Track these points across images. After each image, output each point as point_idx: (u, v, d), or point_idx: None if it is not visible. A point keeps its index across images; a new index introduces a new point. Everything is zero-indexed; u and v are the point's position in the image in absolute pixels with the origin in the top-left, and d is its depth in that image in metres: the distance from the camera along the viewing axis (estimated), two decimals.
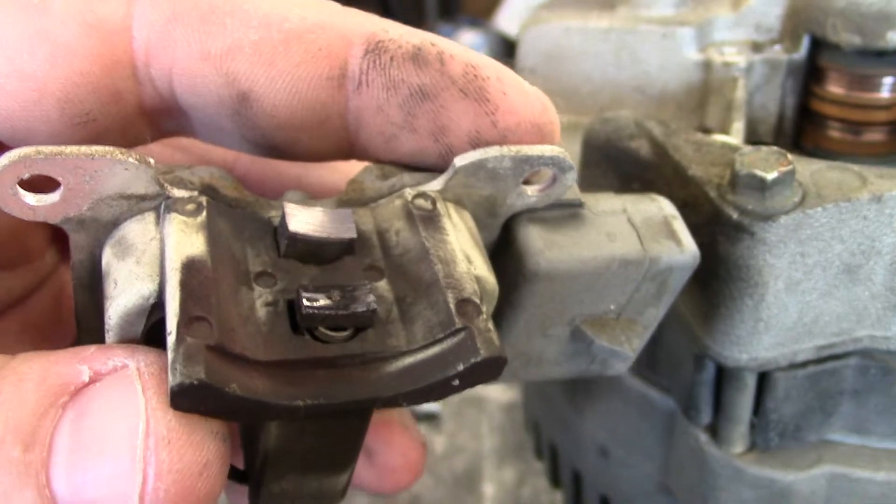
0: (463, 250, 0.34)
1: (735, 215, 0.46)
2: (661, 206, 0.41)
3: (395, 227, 0.35)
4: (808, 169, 0.48)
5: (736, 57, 0.63)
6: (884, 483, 0.53)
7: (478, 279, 0.34)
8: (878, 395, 0.52)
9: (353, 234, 0.34)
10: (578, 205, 0.40)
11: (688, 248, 0.40)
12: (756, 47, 0.64)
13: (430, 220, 0.35)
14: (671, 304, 0.43)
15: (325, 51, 0.35)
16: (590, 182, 0.54)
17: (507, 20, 1.89)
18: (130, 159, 0.32)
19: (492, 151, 0.36)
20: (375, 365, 0.31)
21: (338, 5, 0.37)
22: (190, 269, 0.30)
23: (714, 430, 0.55)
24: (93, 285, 0.35)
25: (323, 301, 0.31)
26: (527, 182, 0.38)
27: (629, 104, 0.65)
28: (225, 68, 0.35)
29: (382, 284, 0.33)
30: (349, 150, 0.39)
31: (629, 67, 0.65)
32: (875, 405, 0.52)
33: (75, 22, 0.34)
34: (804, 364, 0.51)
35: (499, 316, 0.40)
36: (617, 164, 0.54)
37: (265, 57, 0.35)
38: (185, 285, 0.29)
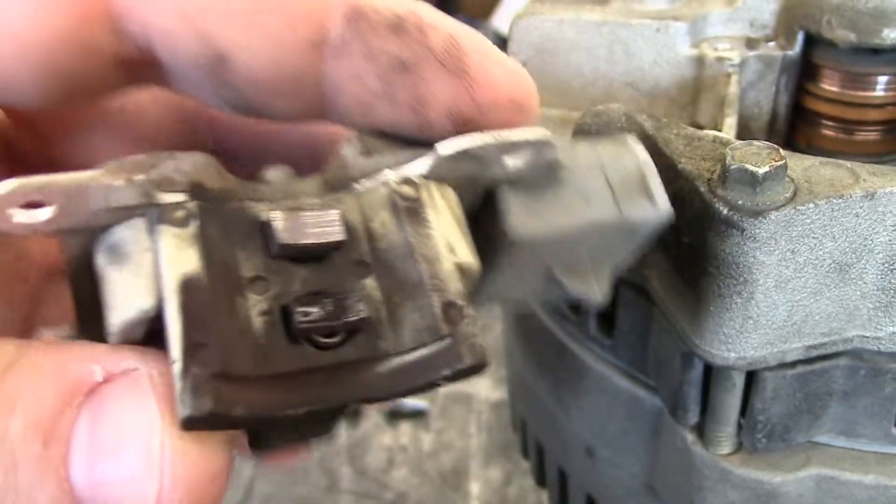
0: (447, 240, 0.35)
1: (725, 210, 0.45)
2: (636, 155, 0.42)
3: (380, 217, 0.36)
4: (800, 165, 0.48)
5: (729, 53, 0.62)
6: (872, 486, 0.53)
7: (462, 267, 0.35)
8: (867, 397, 0.51)
9: (342, 237, 0.35)
10: (556, 166, 0.40)
11: (662, 207, 0.41)
12: (750, 43, 0.63)
13: (414, 212, 0.36)
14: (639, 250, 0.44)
15: (304, 15, 0.35)
16: None
17: (505, 21, 1.89)
18: (118, 182, 0.33)
19: (475, 140, 0.37)
20: (366, 367, 0.33)
21: None
22: (188, 290, 0.31)
23: (701, 431, 0.54)
24: (89, 277, 0.35)
25: (316, 314, 0.33)
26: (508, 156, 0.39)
27: (621, 99, 0.65)
28: (202, 29, 0.35)
29: (370, 282, 0.35)
30: (325, 115, 0.39)
31: (622, 62, 0.64)
32: (864, 407, 0.52)
33: None
34: (793, 364, 0.50)
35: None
36: None
37: (243, 19, 0.35)
38: (184, 309, 0.31)
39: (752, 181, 0.44)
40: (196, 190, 0.34)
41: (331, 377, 0.33)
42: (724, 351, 0.48)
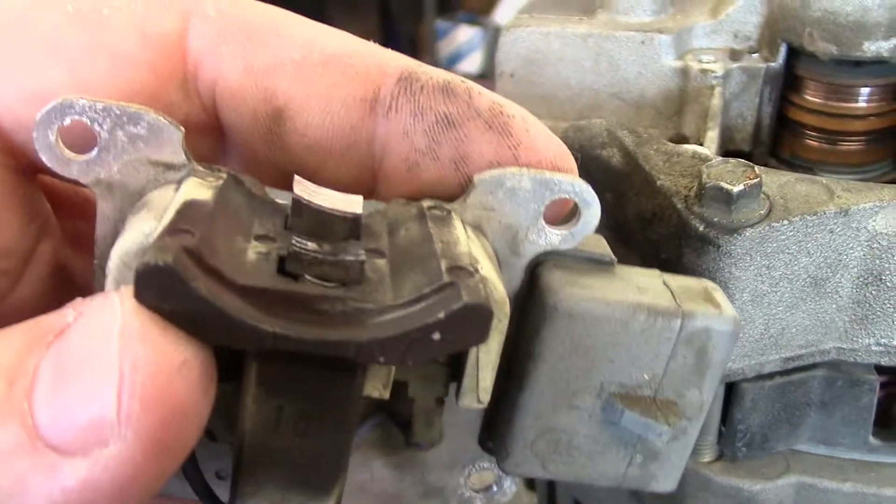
0: (470, 248, 0.34)
1: (701, 227, 0.46)
2: (702, 281, 0.39)
3: (406, 225, 0.36)
4: (776, 181, 0.48)
5: (713, 65, 0.63)
6: (850, 494, 0.53)
7: (484, 280, 0.32)
8: (844, 407, 0.52)
9: (359, 211, 0.34)
10: (609, 262, 0.38)
11: (727, 312, 0.36)
12: (734, 55, 0.64)
13: (441, 219, 0.36)
14: (715, 389, 0.38)
15: (361, 75, 0.37)
16: None
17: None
18: (163, 118, 0.33)
19: (511, 169, 0.37)
20: (357, 316, 0.31)
21: (376, 44, 0.39)
22: (191, 205, 0.31)
23: None
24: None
25: (312, 246, 0.32)
26: (549, 222, 0.38)
27: (607, 110, 0.65)
28: (265, 84, 0.37)
29: (381, 262, 0.33)
30: (371, 181, 0.40)
31: (607, 73, 0.65)
32: (842, 417, 0.53)
33: (135, 34, 0.36)
34: (771, 375, 0.51)
35: (521, 373, 0.38)
36: (589, 172, 0.54)
37: (304, 75, 0.37)
38: (181, 212, 0.30)
39: (727, 199, 0.45)
40: (234, 177, 0.35)
41: (314, 317, 0.30)
42: None
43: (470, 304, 0.29)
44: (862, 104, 0.61)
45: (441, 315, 0.29)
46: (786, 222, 0.46)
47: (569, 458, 0.39)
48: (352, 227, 0.34)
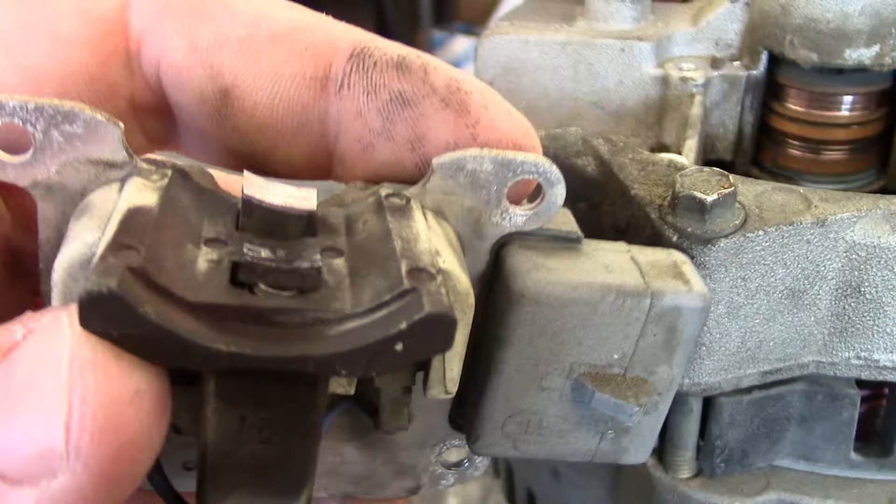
0: (431, 242, 0.33)
1: (674, 238, 0.45)
2: (671, 253, 0.38)
3: (364, 217, 0.34)
4: (752, 191, 0.47)
5: (693, 73, 0.62)
6: None
7: (445, 273, 0.31)
8: (825, 422, 0.51)
9: (312, 207, 0.32)
10: (576, 238, 0.37)
11: (696, 288, 0.35)
12: (715, 63, 0.63)
13: (400, 210, 0.34)
14: (685, 365, 0.37)
15: (310, 51, 0.35)
16: None
17: None
18: (99, 115, 0.32)
19: (471, 151, 0.35)
20: (315, 327, 0.29)
21: (327, 16, 0.37)
22: (135, 214, 0.29)
23: (661, 455, 0.54)
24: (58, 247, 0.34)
25: (265, 253, 0.30)
26: (513, 202, 0.36)
27: (587, 119, 0.64)
28: (210, 61, 0.35)
29: (339, 262, 0.32)
30: (326, 162, 0.38)
31: (587, 82, 0.64)
32: (822, 432, 0.51)
33: (73, 13, 0.35)
34: (749, 389, 0.50)
35: (489, 357, 0.38)
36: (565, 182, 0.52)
37: (251, 52, 0.35)
38: (123, 224, 0.29)
39: (701, 208, 0.44)
40: (179, 173, 0.33)
41: (269, 331, 0.29)
42: None
43: (432, 314, 0.28)
44: (844, 112, 0.60)
45: (403, 325, 0.28)
46: (761, 232, 0.45)
47: (539, 437, 0.39)
48: (306, 224, 0.32)
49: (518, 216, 0.36)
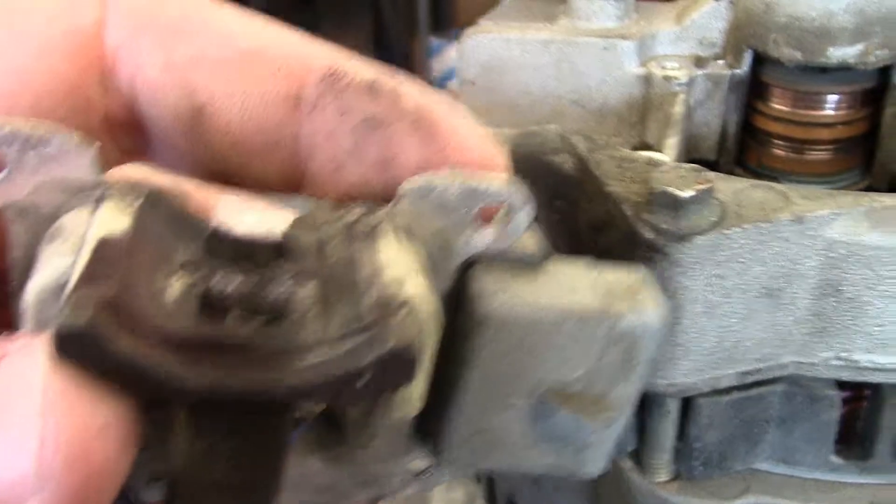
0: (399, 267, 0.34)
1: (649, 234, 0.44)
2: (634, 273, 0.38)
3: (334, 241, 0.35)
4: (731, 187, 0.47)
5: (677, 72, 0.61)
6: None
7: (412, 300, 0.32)
8: (805, 424, 0.50)
9: (280, 236, 0.33)
10: (541, 260, 0.37)
11: (652, 311, 0.36)
12: (699, 62, 0.63)
13: (370, 234, 0.35)
14: (643, 382, 0.39)
15: (283, 71, 0.36)
16: None
17: None
18: (74, 138, 0.32)
19: (439, 177, 0.36)
20: (284, 357, 0.30)
21: (304, 35, 0.38)
22: (107, 243, 0.30)
23: (638, 458, 0.53)
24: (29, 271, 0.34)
25: (236, 281, 0.31)
26: (482, 222, 0.37)
27: (569, 117, 0.64)
28: (184, 79, 0.36)
29: (309, 287, 0.33)
30: (299, 180, 0.38)
31: (569, 80, 0.63)
32: (802, 434, 0.50)
33: (53, 25, 0.35)
34: (728, 390, 0.49)
35: (453, 377, 0.38)
36: (542, 179, 0.52)
37: (224, 71, 0.36)
38: (96, 253, 0.29)
39: (676, 205, 0.44)
40: (153, 195, 0.34)
41: (238, 362, 0.29)
42: (653, 377, 0.47)
43: (395, 349, 0.29)
44: (829, 112, 0.60)
45: (369, 360, 0.29)
46: (738, 230, 0.44)
47: (502, 452, 0.40)
48: (277, 250, 0.33)
49: (485, 238, 0.36)
